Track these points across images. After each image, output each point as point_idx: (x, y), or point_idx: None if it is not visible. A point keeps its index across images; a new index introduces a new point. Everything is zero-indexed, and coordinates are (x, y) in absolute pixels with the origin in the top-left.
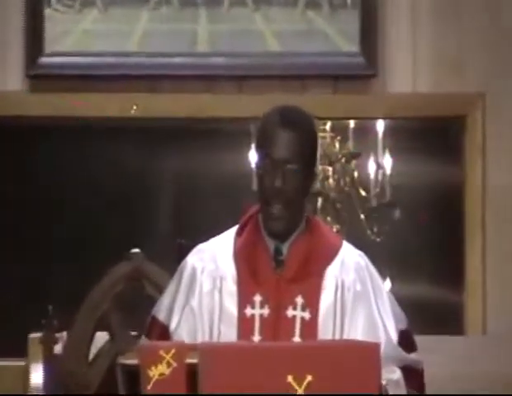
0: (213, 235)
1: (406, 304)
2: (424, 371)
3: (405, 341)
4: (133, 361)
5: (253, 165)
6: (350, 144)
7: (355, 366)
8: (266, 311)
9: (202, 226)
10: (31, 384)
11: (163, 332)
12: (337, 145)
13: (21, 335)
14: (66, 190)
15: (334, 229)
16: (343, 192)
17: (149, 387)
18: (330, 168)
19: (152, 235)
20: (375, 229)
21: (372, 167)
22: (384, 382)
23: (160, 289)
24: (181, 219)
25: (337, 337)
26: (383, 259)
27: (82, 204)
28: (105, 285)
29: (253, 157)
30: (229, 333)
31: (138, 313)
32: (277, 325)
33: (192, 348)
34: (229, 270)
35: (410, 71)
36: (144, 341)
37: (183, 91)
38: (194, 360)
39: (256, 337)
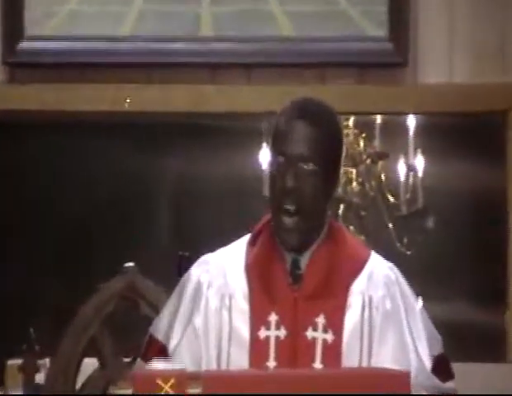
0: (218, 247)
1: (441, 325)
2: None
3: (440, 367)
4: (126, 392)
5: (264, 166)
6: (376, 143)
7: None
8: (282, 333)
9: (206, 236)
10: None
11: (162, 353)
12: (361, 144)
13: None
14: (52, 193)
15: None
16: (369, 198)
17: None
18: (354, 170)
19: (149, 246)
20: (405, 241)
21: (401, 169)
22: None
23: (157, 309)
24: (181, 228)
25: (364, 362)
26: (414, 275)
27: (70, 209)
28: (94, 304)
29: (264, 157)
30: (239, 358)
31: (132, 337)
32: (295, 349)
33: (195, 377)
34: (239, 285)
35: (446, 59)
36: (139, 363)
37: (184, 82)
38: (197, 391)
39: (271, 363)
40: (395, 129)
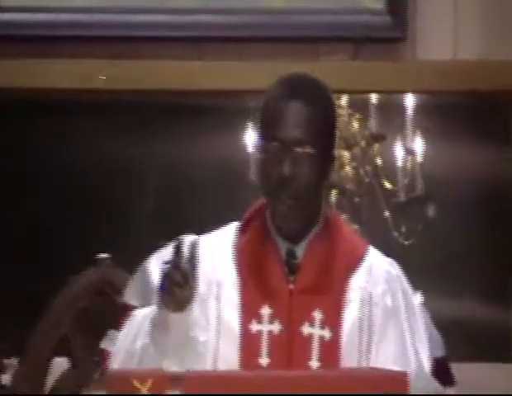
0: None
1: (442, 324)
2: None
3: (441, 371)
4: (100, 394)
5: (250, 149)
6: (372, 124)
7: None
8: (276, 327)
9: (189, 225)
10: None
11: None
12: (356, 125)
13: None
14: (23, 177)
15: None
16: (363, 183)
17: None
18: (347, 154)
19: (127, 235)
20: (403, 230)
21: (399, 153)
22: None
23: None
24: (163, 215)
25: (363, 362)
26: (413, 267)
27: (44, 194)
28: (66, 299)
29: (250, 139)
30: (228, 352)
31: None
32: (289, 345)
33: (176, 378)
34: (228, 274)
35: (449, 34)
36: (111, 334)
37: (167, 58)
38: (177, 393)
39: (263, 360)
40: (392, 110)
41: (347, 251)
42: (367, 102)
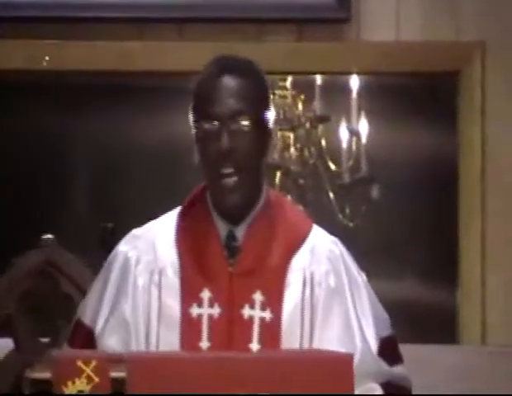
0: (144, 217)
1: (388, 305)
2: (411, 390)
3: (388, 350)
4: (44, 375)
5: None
6: (316, 105)
7: (322, 383)
8: (216, 310)
9: (130, 206)
10: None
11: (90, 339)
12: (300, 106)
13: None
14: None
15: None
16: (308, 165)
17: None
18: (291, 135)
19: (69, 217)
20: (347, 211)
21: (343, 134)
22: None
23: (78, 286)
24: (104, 197)
25: (305, 344)
26: (357, 248)
27: None
28: (9, 280)
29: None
30: (169, 338)
31: (51, 316)
32: (230, 328)
33: (118, 359)
34: (169, 260)
35: (393, 15)
36: (65, 349)
37: (107, 38)
38: (121, 374)
39: (204, 343)
40: (336, 91)
41: (289, 231)
42: (311, 83)
